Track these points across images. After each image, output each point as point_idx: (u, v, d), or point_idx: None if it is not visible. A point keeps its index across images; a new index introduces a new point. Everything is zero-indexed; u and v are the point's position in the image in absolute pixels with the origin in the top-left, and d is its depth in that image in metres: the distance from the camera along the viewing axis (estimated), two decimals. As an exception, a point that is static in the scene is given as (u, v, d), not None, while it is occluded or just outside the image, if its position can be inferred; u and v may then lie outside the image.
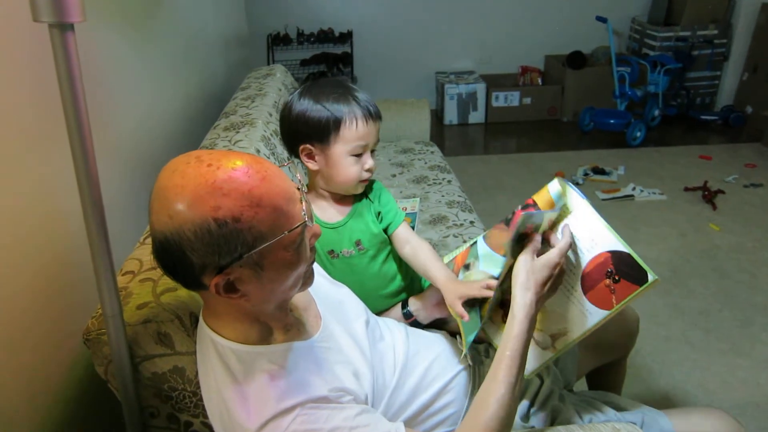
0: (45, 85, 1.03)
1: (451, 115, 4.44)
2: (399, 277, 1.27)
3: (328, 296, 1.07)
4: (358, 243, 1.21)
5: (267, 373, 0.85)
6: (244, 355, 0.86)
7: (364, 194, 1.24)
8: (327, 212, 1.22)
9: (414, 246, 1.20)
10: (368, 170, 1.16)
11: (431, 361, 1.11)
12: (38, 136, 1.08)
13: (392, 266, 1.26)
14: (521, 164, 3.72)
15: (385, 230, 1.23)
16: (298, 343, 0.92)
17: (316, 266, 1.15)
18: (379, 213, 1.22)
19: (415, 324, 1.25)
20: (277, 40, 4.30)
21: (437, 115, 4.59)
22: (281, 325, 0.91)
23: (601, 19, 3.88)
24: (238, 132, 1.71)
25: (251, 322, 0.88)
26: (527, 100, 4.39)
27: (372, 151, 1.16)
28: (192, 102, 2.15)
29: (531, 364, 1.08)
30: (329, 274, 1.17)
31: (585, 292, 1.04)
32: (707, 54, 4.21)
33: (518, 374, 0.94)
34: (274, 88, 2.23)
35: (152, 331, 0.92)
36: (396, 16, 4.46)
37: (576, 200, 1.07)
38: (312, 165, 1.17)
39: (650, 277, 0.97)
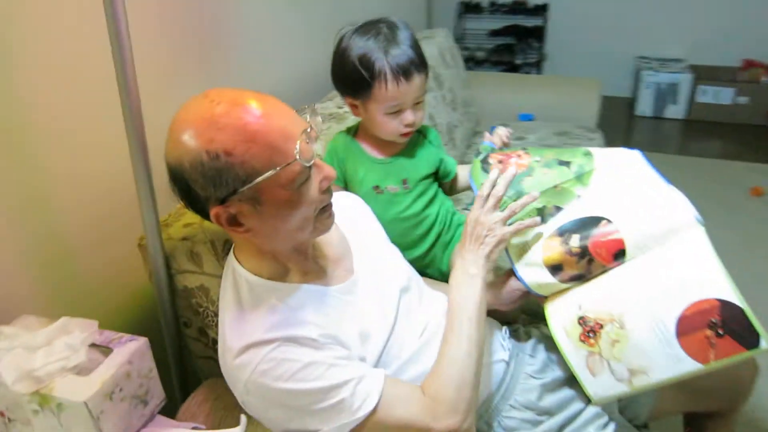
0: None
1: (644, 106, 3.97)
2: (436, 223, 1.27)
3: (370, 254, 1.04)
4: (404, 181, 1.21)
5: (269, 306, 0.86)
6: (256, 286, 0.88)
7: (421, 134, 1.24)
8: (376, 148, 1.22)
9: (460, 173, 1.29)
10: (408, 125, 1.13)
11: None
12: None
13: (432, 211, 1.26)
14: (717, 172, 3.20)
15: (441, 176, 1.26)
16: (312, 286, 0.91)
17: (379, 229, 1.13)
18: (441, 159, 1.24)
19: None
20: (469, 8, 4.22)
21: (629, 104, 4.13)
22: (299, 268, 0.92)
23: None
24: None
25: (269, 259, 0.89)
26: (743, 99, 3.73)
27: (417, 103, 1.13)
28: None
29: (601, 390, 0.96)
30: (372, 209, 1.17)
31: (678, 335, 0.89)
32: None
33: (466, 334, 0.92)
34: (426, 52, 2.19)
35: (187, 248, 0.99)
36: (599, -9, 4.07)
37: (688, 219, 0.94)
38: (355, 114, 1.19)
39: (764, 344, 0.82)
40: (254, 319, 0.86)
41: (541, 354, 1.10)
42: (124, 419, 0.84)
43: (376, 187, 1.21)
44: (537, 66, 4.16)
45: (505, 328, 1.13)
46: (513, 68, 4.15)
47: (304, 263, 0.93)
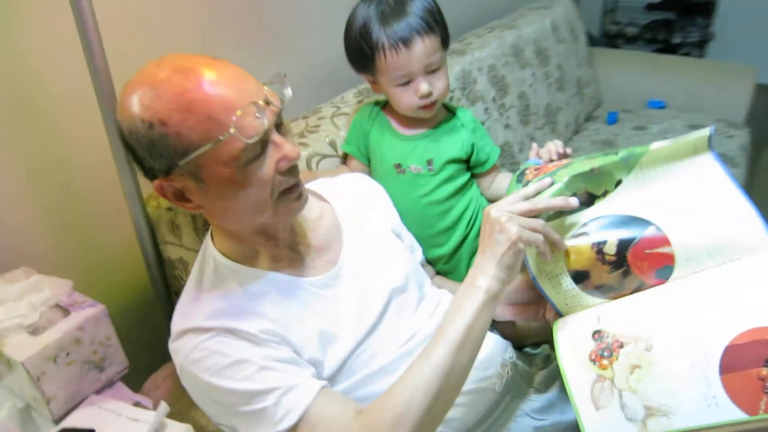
0: None
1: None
2: (463, 218, 1.14)
3: (366, 247, 0.94)
4: (429, 162, 1.10)
5: (225, 291, 0.82)
6: (221, 267, 0.84)
7: (455, 115, 1.14)
8: (404, 124, 1.13)
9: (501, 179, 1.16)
10: (424, 96, 1.02)
11: None
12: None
13: (461, 204, 1.13)
14: None
15: (473, 165, 1.13)
16: (279, 275, 0.85)
17: (390, 220, 1.02)
18: (473, 145, 1.11)
19: None
20: (626, -23, 3.76)
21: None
22: (268, 253, 0.85)
23: None
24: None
25: (238, 240, 0.84)
26: None
27: (433, 71, 1.02)
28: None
29: (602, 430, 0.74)
30: (388, 189, 1.07)
31: (722, 371, 0.67)
32: None
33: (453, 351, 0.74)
34: (533, 23, 1.97)
35: (169, 218, 0.96)
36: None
37: (761, 237, 0.73)
38: (375, 91, 1.10)
39: None
40: (204, 302, 0.81)
41: (554, 391, 0.93)
42: (72, 383, 0.84)
43: (398, 166, 1.10)
44: (699, 47, 3.60)
45: (510, 348, 0.97)
46: (669, 48, 3.64)
47: (274, 249, 0.85)
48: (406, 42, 0.98)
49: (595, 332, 0.78)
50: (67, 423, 0.81)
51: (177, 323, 0.80)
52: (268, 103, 0.72)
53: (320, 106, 1.29)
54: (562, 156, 0.97)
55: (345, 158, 1.18)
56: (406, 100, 1.04)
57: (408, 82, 1.02)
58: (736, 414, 0.64)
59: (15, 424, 0.84)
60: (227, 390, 0.74)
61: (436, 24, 1.01)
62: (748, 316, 0.67)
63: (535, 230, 0.77)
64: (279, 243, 0.86)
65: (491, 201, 1.14)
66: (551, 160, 0.97)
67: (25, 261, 0.95)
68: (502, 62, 1.72)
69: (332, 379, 0.83)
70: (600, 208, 0.81)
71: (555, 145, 0.99)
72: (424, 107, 1.05)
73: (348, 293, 0.89)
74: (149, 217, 0.96)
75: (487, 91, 1.62)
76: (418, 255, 1.09)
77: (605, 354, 0.75)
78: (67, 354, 0.83)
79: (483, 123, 1.58)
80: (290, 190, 0.78)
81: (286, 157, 0.74)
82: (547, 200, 0.80)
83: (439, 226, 1.12)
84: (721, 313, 0.70)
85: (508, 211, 0.77)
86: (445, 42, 1.04)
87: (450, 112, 1.14)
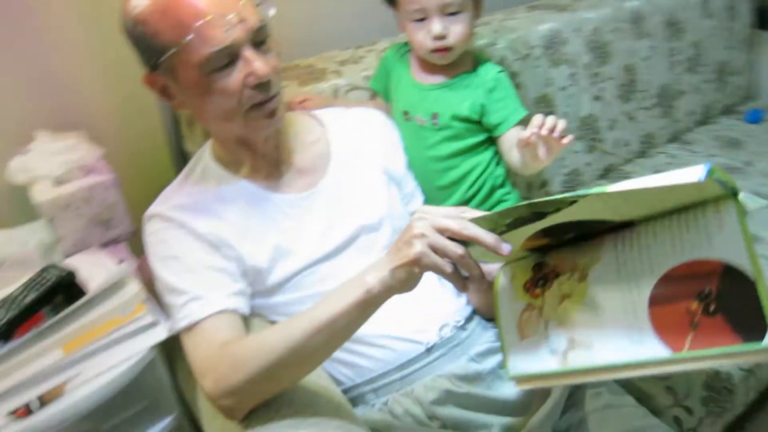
0: None
1: None
2: (465, 181, 1.10)
3: (349, 180, 0.98)
4: (434, 116, 1.07)
5: (202, 189, 0.91)
6: (210, 168, 0.94)
7: (476, 71, 1.08)
8: (423, 71, 1.10)
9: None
10: (436, 37, 0.99)
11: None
12: None
13: (465, 165, 1.09)
14: None
15: (486, 128, 1.08)
16: (250, 185, 0.92)
17: (390, 160, 1.04)
18: (482, 105, 1.05)
19: None
20: None
21: None
22: (249, 163, 0.93)
23: None
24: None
25: (223, 145, 0.93)
26: None
27: (452, 14, 0.99)
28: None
29: (523, 362, 0.70)
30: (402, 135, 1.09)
31: (651, 303, 0.61)
32: None
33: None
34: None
35: (188, 115, 1.08)
36: None
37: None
38: (399, 29, 1.08)
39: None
40: (180, 193, 0.92)
41: (487, 364, 0.91)
42: (79, 231, 1.01)
43: (405, 113, 1.10)
44: None
45: (464, 314, 0.96)
46: None
47: (254, 160, 0.93)
48: None
49: (537, 264, 0.73)
50: (66, 262, 0.99)
51: (153, 204, 0.92)
52: (242, 19, 0.77)
53: (379, 38, 1.31)
54: (551, 131, 0.85)
55: (373, 95, 1.20)
56: (419, 39, 1.02)
57: (423, 20, 1.00)
58: (659, 350, 0.58)
59: (38, 255, 1.04)
60: (160, 277, 0.86)
61: None
62: (691, 248, 0.59)
63: (446, 256, 0.65)
64: (258, 155, 0.92)
65: (510, 168, 1.09)
66: (544, 139, 0.88)
67: (84, 123, 1.13)
68: (611, 28, 1.57)
69: (275, 289, 0.91)
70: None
71: (552, 121, 0.86)
72: (437, 51, 1.01)
73: (315, 219, 0.94)
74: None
75: (579, 55, 1.50)
76: (415, 203, 1.09)
77: (539, 283, 0.71)
78: (77, 207, 0.99)
79: (564, 89, 1.48)
80: (260, 105, 0.83)
81: (254, 73, 0.79)
82: (476, 231, 0.64)
83: (438, 183, 1.10)
84: (662, 246, 0.62)
85: (431, 225, 0.66)
86: None
87: (477, 66, 1.09)
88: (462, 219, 0.66)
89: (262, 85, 0.81)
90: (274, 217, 0.92)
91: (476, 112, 1.05)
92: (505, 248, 0.64)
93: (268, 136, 0.91)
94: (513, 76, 1.39)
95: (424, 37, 1.01)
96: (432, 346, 0.90)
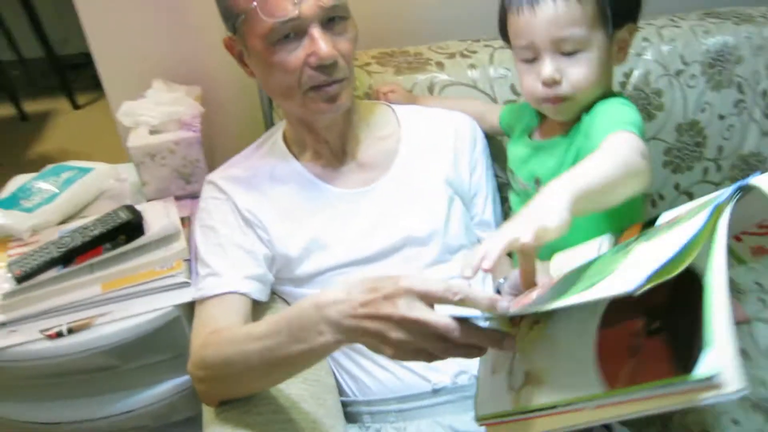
0: None
1: None
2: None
3: (408, 185, 0.92)
4: (537, 181, 0.88)
5: (262, 164, 0.93)
6: (277, 145, 0.95)
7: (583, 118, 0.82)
8: (541, 124, 0.91)
9: None
10: (546, 83, 0.77)
11: None
12: None
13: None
14: None
15: None
16: (306, 172, 0.92)
17: (471, 167, 0.95)
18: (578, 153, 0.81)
19: None
20: None
21: None
22: (312, 147, 0.92)
23: None
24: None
25: (290, 125, 0.94)
26: None
27: (569, 53, 0.76)
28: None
29: (489, 401, 0.61)
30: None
31: (600, 325, 0.49)
32: None
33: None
34: None
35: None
36: None
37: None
38: None
39: (701, 371, 0.36)
40: (240, 165, 0.94)
41: None
42: (162, 180, 1.09)
43: (511, 171, 0.94)
44: None
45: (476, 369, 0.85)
46: None
47: (316, 144, 0.91)
48: (532, 1, 0.76)
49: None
50: (142, 205, 1.07)
51: (217, 169, 0.95)
52: None
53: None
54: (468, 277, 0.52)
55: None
56: (528, 84, 0.81)
57: (534, 60, 0.79)
58: (594, 387, 0.45)
59: (130, 192, 1.15)
60: (197, 240, 0.89)
61: None
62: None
63: (425, 337, 0.53)
64: (321, 140, 0.90)
65: None
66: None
67: (200, 80, 1.21)
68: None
69: (302, 281, 0.90)
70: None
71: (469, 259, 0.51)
72: (548, 101, 0.80)
73: (361, 218, 0.90)
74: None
75: (755, 80, 1.23)
76: (476, 231, 0.99)
77: (520, 317, 0.60)
78: (163, 158, 1.07)
79: (723, 117, 1.23)
80: (320, 88, 0.80)
81: (316, 53, 0.77)
82: (470, 292, 0.53)
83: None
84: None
85: (417, 291, 0.53)
86: (601, 18, 0.76)
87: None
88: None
89: (324, 67, 0.78)
90: (320, 208, 0.90)
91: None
92: (502, 306, 0.53)
93: (332, 122, 0.88)
94: (654, 94, 1.18)
95: (533, 81, 0.79)
96: (440, 389, 0.83)
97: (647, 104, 1.19)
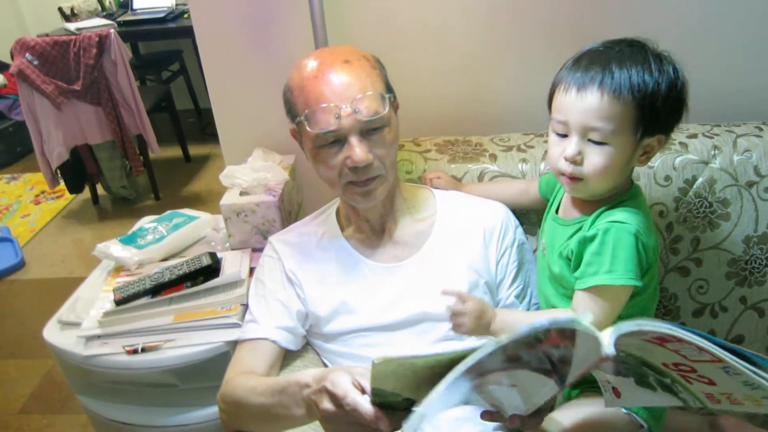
0: None
1: None
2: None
3: (431, 269, 1.03)
4: (543, 248, 1.02)
5: (314, 233, 1.10)
6: (329, 218, 1.12)
7: (593, 215, 0.91)
8: (568, 201, 0.99)
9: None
10: (568, 160, 0.86)
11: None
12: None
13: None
14: None
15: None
16: (348, 245, 1.06)
17: (497, 256, 1.05)
18: (572, 252, 0.91)
19: None
20: None
21: None
22: (355, 223, 1.07)
23: None
24: None
25: (341, 200, 1.09)
26: None
27: (594, 142, 0.84)
28: None
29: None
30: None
31: None
32: None
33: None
34: None
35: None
36: None
37: None
38: None
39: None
40: (298, 231, 1.12)
41: None
42: (244, 234, 1.29)
43: (544, 248, 1.02)
44: None
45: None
46: None
47: (358, 221, 1.06)
48: (581, 86, 0.83)
49: None
50: (223, 253, 1.27)
51: (279, 232, 1.13)
52: (355, 111, 0.89)
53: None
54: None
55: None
56: (554, 154, 0.89)
57: (564, 136, 0.87)
58: None
59: (221, 240, 1.37)
60: (249, 291, 1.07)
61: (631, 97, 0.81)
62: None
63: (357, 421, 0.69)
64: (362, 219, 1.04)
65: None
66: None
67: (295, 149, 1.43)
68: None
69: (329, 338, 1.03)
70: None
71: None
72: (565, 176, 0.88)
73: (387, 289, 1.02)
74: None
75: None
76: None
77: None
78: (245, 215, 1.27)
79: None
80: (355, 184, 0.95)
81: (350, 158, 0.91)
82: (355, 402, 0.68)
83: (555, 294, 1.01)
84: None
85: (330, 391, 0.71)
86: (635, 123, 0.83)
87: (613, 207, 0.91)
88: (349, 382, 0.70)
89: (358, 169, 0.92)
90: (353, 277, 1.03)
91: (569, 258, 0.93)
92: (383, 425, 0.66)
93: (372, 207, 1.02)
94: (720, 204, 1.16)
95: (559, 154, 0.87)
96: None
97: (710, 212, 1.17)
